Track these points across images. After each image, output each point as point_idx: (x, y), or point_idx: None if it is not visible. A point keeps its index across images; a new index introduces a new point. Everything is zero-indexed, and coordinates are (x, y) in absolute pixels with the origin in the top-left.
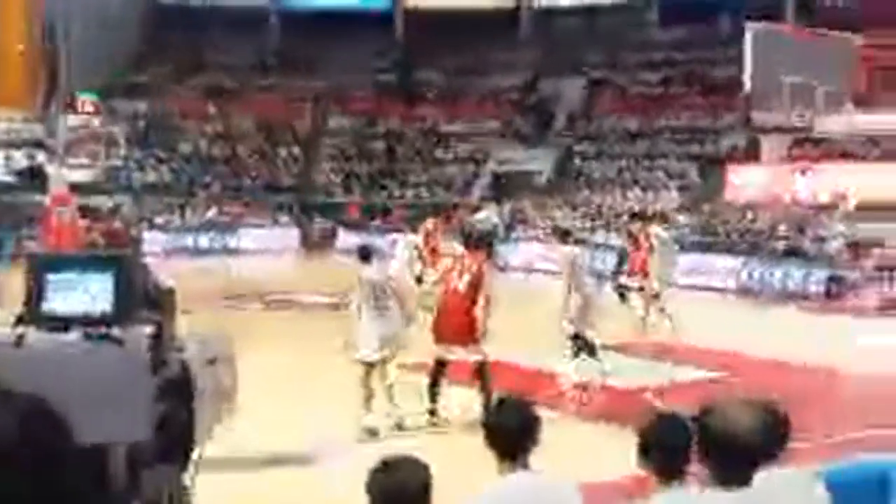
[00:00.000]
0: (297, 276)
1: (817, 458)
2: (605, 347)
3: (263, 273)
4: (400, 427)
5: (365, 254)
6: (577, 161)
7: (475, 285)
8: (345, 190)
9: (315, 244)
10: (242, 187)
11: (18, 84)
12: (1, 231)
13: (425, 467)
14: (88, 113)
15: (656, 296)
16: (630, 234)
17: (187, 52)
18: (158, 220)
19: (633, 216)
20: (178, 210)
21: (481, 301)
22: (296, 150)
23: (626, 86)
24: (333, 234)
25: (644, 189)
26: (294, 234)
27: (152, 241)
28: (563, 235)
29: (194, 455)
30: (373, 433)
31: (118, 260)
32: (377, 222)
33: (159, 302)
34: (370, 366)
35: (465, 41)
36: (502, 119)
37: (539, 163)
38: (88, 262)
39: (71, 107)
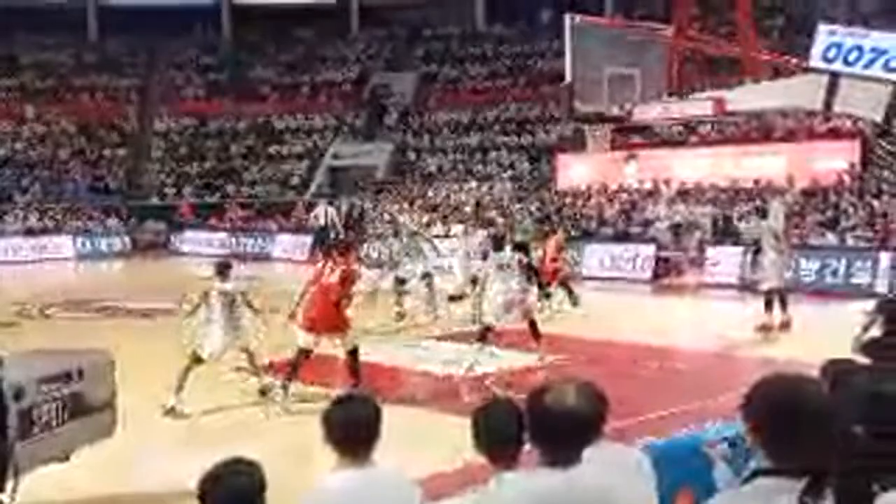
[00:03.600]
0: (128, 282)
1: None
2: (447, 338)
3: (93, 280)
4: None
5: (221, 269)
6: (412, 155)
7: (344, 280)
8: (177, 191)
9: (146, 248)
10: (65, 191)
11: None
12: None
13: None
14: None
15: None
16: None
17: (1, 52)
18: None
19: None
20: None
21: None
22: (122, 151)
23: (456, 79)
24: (167, 237)
25: (479, 180)
26: (125, 238)
27: None
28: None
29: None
30: (173, 412)
31: None
32: (212, 222)
33: None
34: (200, 361)
35: (295, 36)
36: (336, 114)
37: (374, 157)
38: None
39: None
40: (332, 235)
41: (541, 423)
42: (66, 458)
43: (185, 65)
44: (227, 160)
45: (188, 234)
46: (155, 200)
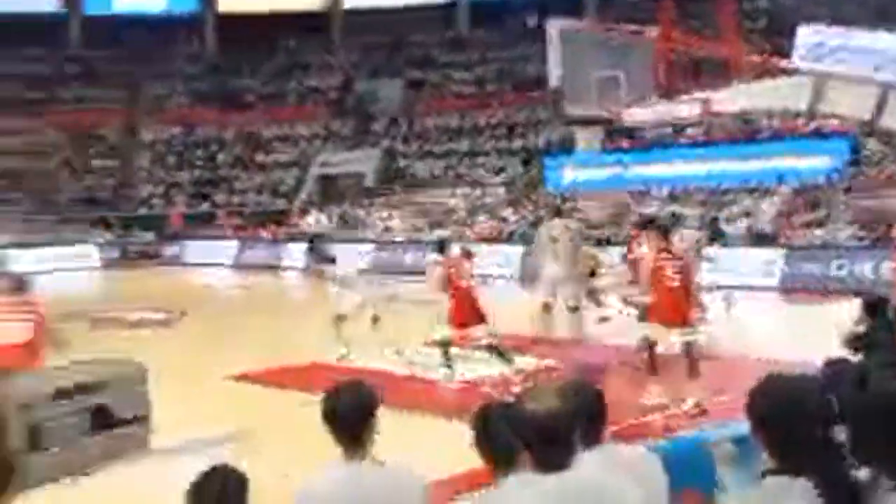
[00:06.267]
0: (120, 292)
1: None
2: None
3: (84, 290)
4: None
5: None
6: (401, 161)
7: None
8: (166, 201)
9: (136, 258)
10: (55, 202)
11: None
12: None
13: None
14: None
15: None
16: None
17: None
18: None
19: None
20: None
21: None
22: (109, 162)
23: (442, 85)
24: (157, 247)
25: (470, 185)
26: (114, 248)
27: None
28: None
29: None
30: None
31: None
32: (203, 231)
33: None
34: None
35: (279, 44)
36: (322, 121)
37: (362, 164)
38: None
39: None
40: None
41: (524, 428)
42: (88, 473)
43: (170, 74)
44: (216, 169)
45: (186, 243)
46: (143, 210)
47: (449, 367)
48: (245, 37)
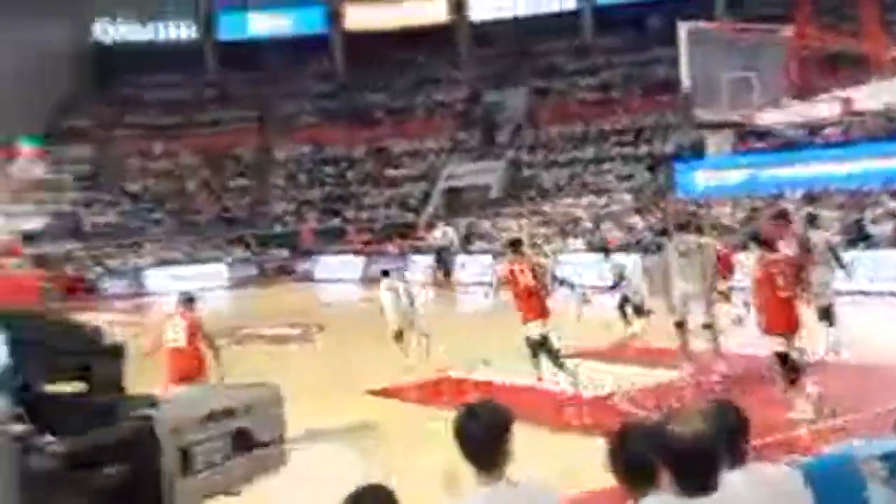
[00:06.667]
0: (259, 308)
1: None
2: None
3: (226, 307)
4: None
5: None
6: (526, 171)
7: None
8: (297, 217)
9: (273, 274)
10: (194, 222)
11: None
12: None
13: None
14: (30, 161)
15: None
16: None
17: (127, 91)
18: (111, 262)
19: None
20: (130, 251)
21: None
22: (244, 181)
23: (567, 92)
24: (292, 263)
25: (596, 193)
26: (251, 266)
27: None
28: (514, 245)
29: None
30: None
31: (19, 318)
32: (334, 247)
33: (87, 360)
34: None
35: (406, 59)
36: (449, 134)
37: (488, 175)
38: None
39: (12, 154)
40: (453, 254)
41: (668, 450)
42: (236, 493)
43: (300, 94)
44: (346, 185)
45: (318, 259)
46: (277, 228)
47: (566, 374)
48: (372, 54)
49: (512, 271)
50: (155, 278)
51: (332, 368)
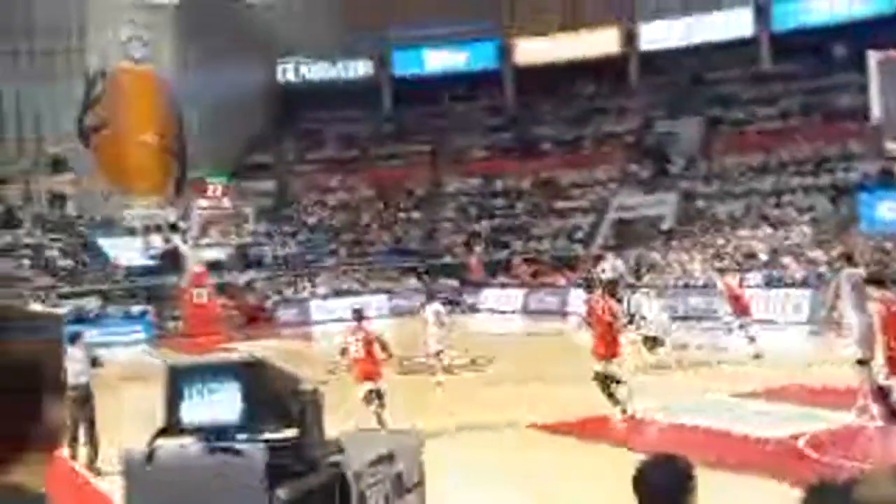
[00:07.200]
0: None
1: None
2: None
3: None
4: None
5: None
6: (700, 202)
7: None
8: (467, 249)
9: (445, 304)
10: (368, 253)
11: (152, 172)
12: (142, 313)
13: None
14: (217, 196)
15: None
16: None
17: (307, 127)
18: (287, 292)
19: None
20: (306, 281)
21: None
22: (416, 213)
23: (744, 122)
24: (460, 294)
25: (773, 226)
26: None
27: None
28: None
29: None
30: None
31: (248, 367)
32: (500, 279)
33: (299, 405)
34: None
35: (576, 91)
36: (619, 165)
37: (660, 207)
38: (219, 370)
39: (201, 190)
40: (621, 287)
41: None
42: None
43: (471, 127)
44: (514, 217)
45: (484, 290)
46: (447, 259)
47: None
48: (542, 86)
49: (592, 307)
50: (320, 308)
51: (498, 400)
